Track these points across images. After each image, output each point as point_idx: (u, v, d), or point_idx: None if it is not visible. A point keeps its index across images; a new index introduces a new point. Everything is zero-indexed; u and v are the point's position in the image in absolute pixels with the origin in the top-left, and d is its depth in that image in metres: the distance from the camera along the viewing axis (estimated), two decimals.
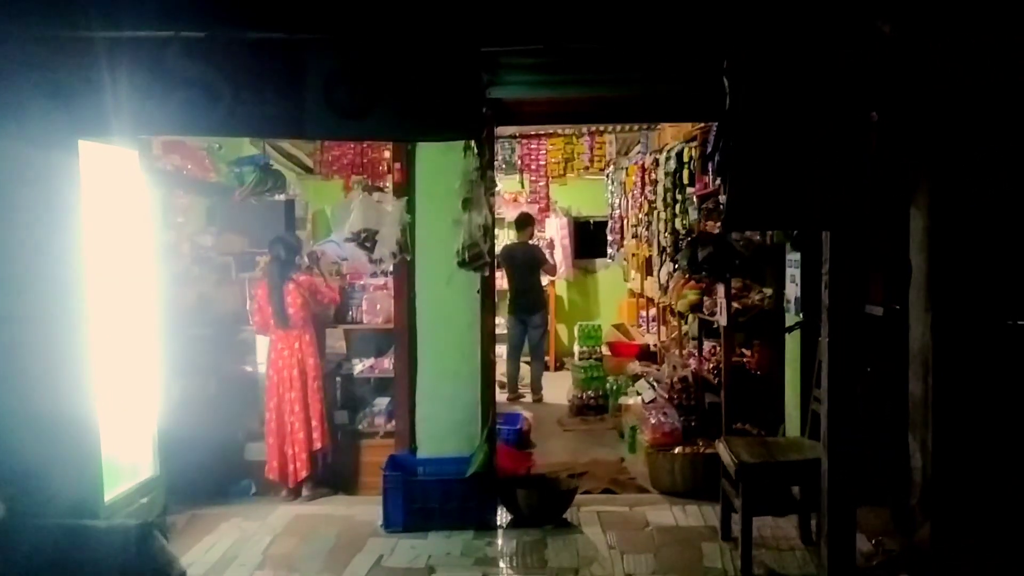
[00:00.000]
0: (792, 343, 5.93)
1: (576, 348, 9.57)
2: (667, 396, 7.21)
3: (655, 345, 9.25)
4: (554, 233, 11.52)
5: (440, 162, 5.60)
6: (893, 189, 4.62)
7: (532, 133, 9.24)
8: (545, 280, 10.09)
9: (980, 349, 4.55)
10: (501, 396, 9.48)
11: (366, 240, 5.03)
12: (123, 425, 5.13)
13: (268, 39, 4.27)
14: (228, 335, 6.42)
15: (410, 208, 5.55)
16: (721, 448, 5.06)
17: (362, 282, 6.54)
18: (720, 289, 6.18)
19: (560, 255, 11.51)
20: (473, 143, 4.81)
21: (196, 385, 6.15)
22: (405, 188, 5.61)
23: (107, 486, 4.90)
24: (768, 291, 6.42)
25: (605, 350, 9.68)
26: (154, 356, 5.38)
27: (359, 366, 6.51)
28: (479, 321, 5.72)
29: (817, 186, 4.22)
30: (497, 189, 10.86)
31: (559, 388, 9.60)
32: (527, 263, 9.38)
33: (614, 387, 8.53)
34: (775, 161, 4.18)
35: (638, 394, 7.97)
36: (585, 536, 5.24)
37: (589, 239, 11.99)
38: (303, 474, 5.94)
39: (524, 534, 5.27)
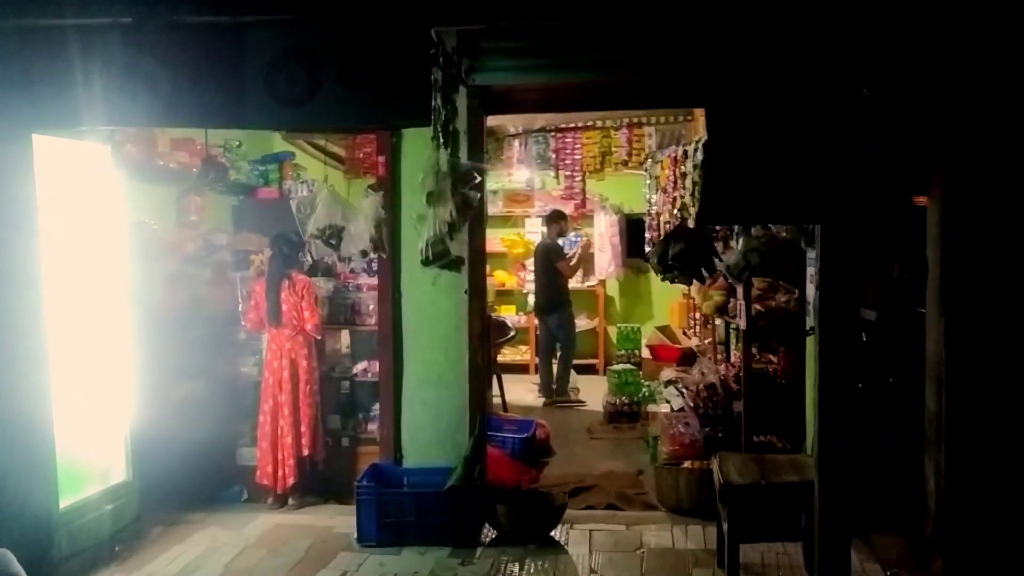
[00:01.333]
0: (811, 349, 5.38)
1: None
2: (692, 404, 6.73)
3: (696, 348, 8.73)
4: (603, 231, 11.06)
5: (426, 155, 5.27)
6: (901, 178, 4.08)
7: (565, 126, 8.81)
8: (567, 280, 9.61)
9: (1001, 360, 3.97)
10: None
11: (331, 237, 4.74)
12: (90, 428, 4.98)
13: (206, 23, 4.04)
14: (221, 336, 6.23)
15: (394, 203, 5.25)
16: (714, 465, 4.60)
17: (357, 282, 6.27)
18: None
19: (609, 254, 11.05)
20: (439, 132, 4.46)
21: (187, 387, 5.99)
22: (388, 182, 5.30)
23: (70, 491, 4.77)
24: (796, 292, 5.90)
25: (646, 353, 9.21)
26: (126, 357, 5.22)
27: (356, 368, 6.23)
28: (466, 323, 5.37)
29: (803, 176, 3.75)
30: (497, 187, 10.61)
31: (602, 393, 9.15)
32: (543, 261, 9.00)
33: (647, 393, 8.06)
34: (757, 149, 3.73)
35: (667, 401, 7.51)
36: (568, 557, 4.85)
37: (641, 237, 11.47)
38: (290, 481, 5.71)
39: (503, 553, 4.91)
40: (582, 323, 10.97)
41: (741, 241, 5.70)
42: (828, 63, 3.86)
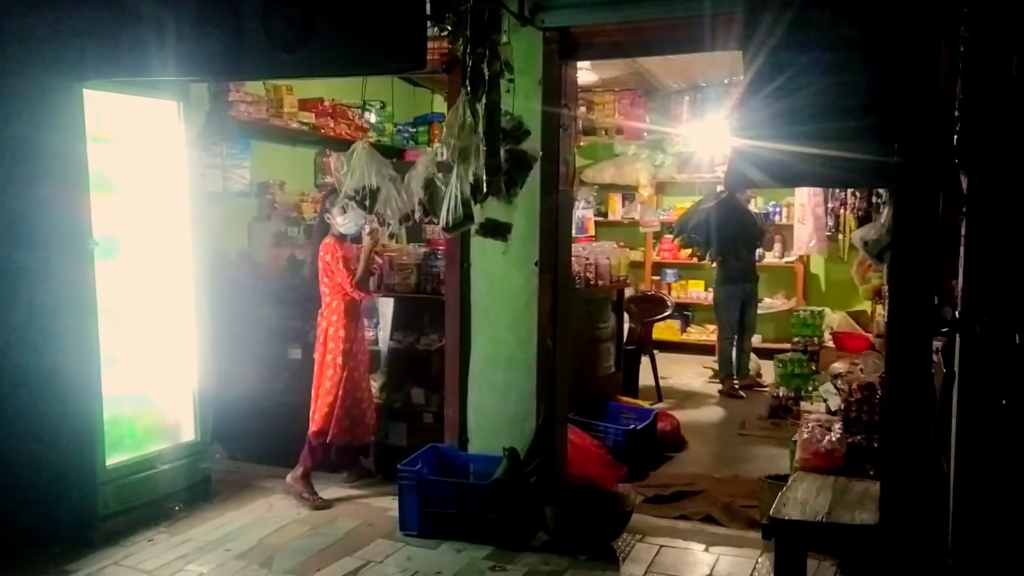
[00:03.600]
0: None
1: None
2: (843, 406, 5.70)
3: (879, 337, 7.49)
4: (804, 200, 9.83)
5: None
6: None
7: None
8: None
9: None
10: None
11: (364, 199, 4.33)
12: (154, 385, 4.97)
13: None
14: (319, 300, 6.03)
15: None
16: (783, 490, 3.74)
17: None
18: None
19: (811, 226, 9.81)
20: (468, 81, 3.90)
21: (276, 350, 5.89)
22: None
23: (124, 448, 4.78)
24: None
25: (830, 341, 8.06)
26: (193, 315, 5.15)
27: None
28: (536, 299, 4.79)
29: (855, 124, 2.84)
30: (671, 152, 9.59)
31: None
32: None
33: (812, 388, 7.01)
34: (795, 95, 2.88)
35: (823, 399, 6.47)
36: None
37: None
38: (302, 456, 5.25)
39: (546, 562, 4.33)
40: (777, 303, 9.91)
41: (886, 212, 4.64)
42: None
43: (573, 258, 6.05)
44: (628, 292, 8.82)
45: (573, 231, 10.64)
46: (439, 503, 4.56)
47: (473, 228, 4.24)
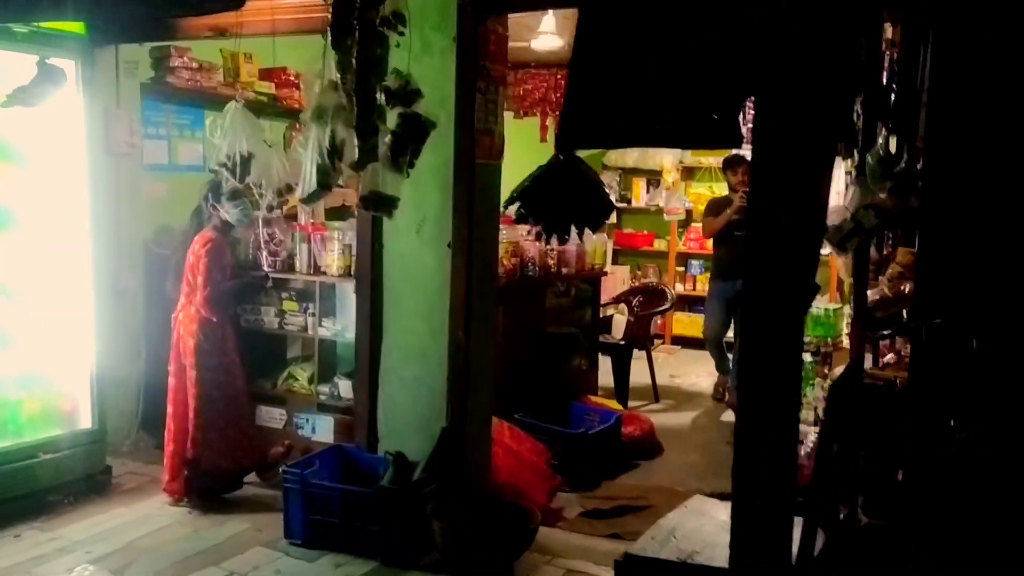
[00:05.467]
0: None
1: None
2: (823, 416, 5.03)
3: None
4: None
5: (415, 70, 4.16)
6: None
7: None
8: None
9: None
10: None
11: (235, 168, 3.84)
12: (44, 371, 4.62)
13: None
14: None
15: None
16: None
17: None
18: None
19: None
20: (330, 30, 3.38)
21: None
22: None
23: (8, 436, 4.45)
24: None
25: (848, 342, 7.25)
26: (91, 292, 4.77)
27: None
28: (449, 286, 4.25)
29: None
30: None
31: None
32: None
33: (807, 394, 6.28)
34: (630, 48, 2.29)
35: (814, 408, 5.79)
36: None
37: None
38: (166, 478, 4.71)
39: None
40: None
41: (852, 193, 3.95)
42: None
43: (527, 242, 5.50)
44: (631, 283, 8.25)
45: None
46: (323, 511, 4.07)
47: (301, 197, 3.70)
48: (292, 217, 5.46)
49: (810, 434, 4.86)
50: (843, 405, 2.71)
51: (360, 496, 4.02)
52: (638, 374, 7.32)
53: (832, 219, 3.98)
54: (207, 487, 4.58)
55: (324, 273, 5.05)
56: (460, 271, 4.24)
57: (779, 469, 2.31)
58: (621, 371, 6.98)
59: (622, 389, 6.96)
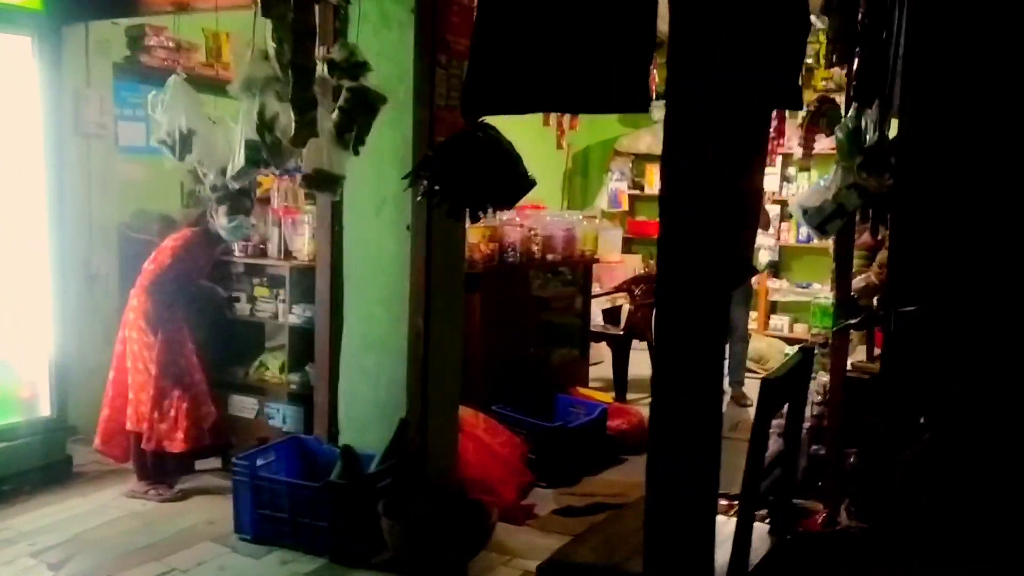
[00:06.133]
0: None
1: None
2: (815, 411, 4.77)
3: None
4: None
5: (373, 44, 3.96)
6: None
7: None
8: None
9: None
10: None
11: (174, 147, 3.65)
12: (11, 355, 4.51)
13: None
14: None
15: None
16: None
17: None
18: None
19: None
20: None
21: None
22: None
23: None
24: None
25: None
26: (50, 277, 4.64)
27: None
28: (408, 270, 4.04)
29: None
30: None
31: None
32: None
33: None
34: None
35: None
36: None
37: None
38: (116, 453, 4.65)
39: None
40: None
41: (835, 172, 3.67)
42: None
43: (508, 227, 5.28)
44: (636, 271, 7.99)
45: (605, 204, 9.92)
46: (272, 505, 3.89)
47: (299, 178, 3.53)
48: (266, 200, 5.30)
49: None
50: (776, 399, 2.45)
51: (308, 490, 3.82)
52: (642, 366, 7.08)
53: (813, 200, 3.73)
54: (150, 465, 4.42)
55: (295, 258, 4.86)
56: (420, 255, 4.03)
57: (695, 468, 2.06)
58: (619, 362, 6.73)
59: (620, 381, 6.71)
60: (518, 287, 5.41)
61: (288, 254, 4.91)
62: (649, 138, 9.59)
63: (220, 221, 4.05)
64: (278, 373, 5.04)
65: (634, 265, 9.32)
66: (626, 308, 7.30)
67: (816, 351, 6.56)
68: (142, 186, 5.72)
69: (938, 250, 2.67)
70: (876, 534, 2.96)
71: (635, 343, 7.12)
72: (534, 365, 5.60)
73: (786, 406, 2.68)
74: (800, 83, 2.18)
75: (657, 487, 2.06)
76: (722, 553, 2.35)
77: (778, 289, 9.14)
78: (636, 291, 7.22)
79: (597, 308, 7.44)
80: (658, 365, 2.08)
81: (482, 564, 3.76)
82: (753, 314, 9.30)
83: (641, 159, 9.81)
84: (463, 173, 2.25)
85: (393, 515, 3.65)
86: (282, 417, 4.96)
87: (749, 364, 7.76)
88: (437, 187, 2.29)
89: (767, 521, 2.81)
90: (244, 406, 5.05)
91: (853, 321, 3.81)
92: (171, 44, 5.64)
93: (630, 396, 6.71)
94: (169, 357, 4.42)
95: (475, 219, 2.38)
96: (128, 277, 5.38)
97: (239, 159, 3.20)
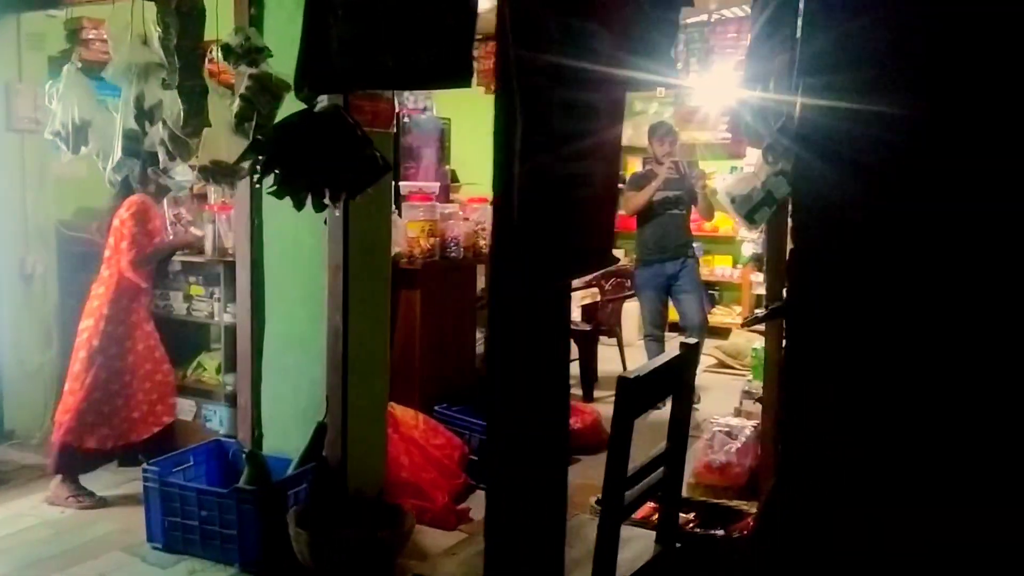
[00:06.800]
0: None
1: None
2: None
3: None
4: None
5: (289, 30, 3.77)
6: None
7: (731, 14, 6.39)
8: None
9: None
10: None
11: (67, 138, 3.49)
12: None
13: None
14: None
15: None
16: None
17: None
18: None
19: None
20: None
21: None
22: None
23: None
24: None
25: None
26: None
27: None
28: (325, 266, 3.86)
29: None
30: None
31: None
32: None
33: None
34: None
35: None
36: None
37: None
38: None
39: None
40: None
41: (760, 158, 3.47)
42: None
43: (452, 221, 5.09)
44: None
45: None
46: (181, 512, 3.73)
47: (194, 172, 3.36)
48: (203, 196, 5.15)
49: (746, 428, 4.39)
50: (636, 400, 2.26)
51: (216, 497, 3.66)
52: (614, 363, 6.90)
53: (740, 187, 3.53)
54: (65, 465, 4.25)
55: (230, 255, 4.70)
56: (337, 250, 3.85)
57: (537, 476, 1.87)
58: (586, 359, 6.53)
59: (586, 378, 6.52)
60: (464, 284, 5.22)
61: (224, 251, 4.75)
62: (628, 130, 9.33)
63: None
64: (215, 374, 4.90)
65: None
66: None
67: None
68: (83, 183, 5.57)
69: (842, 247, 2.46)
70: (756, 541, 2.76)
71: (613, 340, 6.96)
72: (482, 364, 5.41)
73: (669, 401, 2.49)
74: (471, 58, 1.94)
75: (497, 491, 1.86)
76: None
77: (762, 283, 8.89)
78: (607, 285, 7.03)
79: (575, 305, 7.24)
80: (491, 369, 1.89)
81: (396, 571, 3.57)
82: (736, 308, 9.10)
83: (623, 151, 9.58)
84: (302, 157, 2.05)
85: (302, 523, 3.48)
86: (219, 420, 4.83)
87: (726, 360, 7.56)
88: (277, 172, 2.10)
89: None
90: (182, 409, 4.89)
91: (760, 314, 3.60)
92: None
93: (597, 394, 6.51)
94: (117, 349, 4.27)
95: (320, 208, 2.20)
96: (66, 276, 5.27)
97: (116, 150, 3.03)
